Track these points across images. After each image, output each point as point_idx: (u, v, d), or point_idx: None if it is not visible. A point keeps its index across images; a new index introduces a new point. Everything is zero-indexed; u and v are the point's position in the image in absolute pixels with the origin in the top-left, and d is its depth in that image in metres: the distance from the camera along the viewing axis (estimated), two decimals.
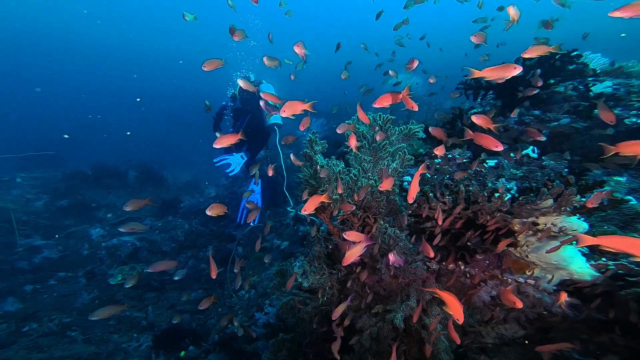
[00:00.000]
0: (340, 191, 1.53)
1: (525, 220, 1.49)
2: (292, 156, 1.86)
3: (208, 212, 1.82)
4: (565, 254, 1.42)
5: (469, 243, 1.60)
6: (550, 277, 1.48)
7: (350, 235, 1.37)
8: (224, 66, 1.97)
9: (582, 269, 1.42)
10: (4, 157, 8.04)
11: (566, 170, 1.88)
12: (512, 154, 1.87)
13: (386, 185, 1.42)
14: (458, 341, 1.26)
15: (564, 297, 1.33)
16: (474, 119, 1.50)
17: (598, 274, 1.40)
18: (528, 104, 2.55)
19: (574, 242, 1.40)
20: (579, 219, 1.43)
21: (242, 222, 3.71)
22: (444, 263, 1.65)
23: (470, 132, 1.48)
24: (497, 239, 1.54)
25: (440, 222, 1.49)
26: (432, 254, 1.42)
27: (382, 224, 1.57)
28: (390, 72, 3.06)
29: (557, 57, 2.66)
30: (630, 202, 1.71)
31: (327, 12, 26.08)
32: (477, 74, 1.37)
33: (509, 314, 1.53)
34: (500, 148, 1.35)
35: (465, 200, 1.52)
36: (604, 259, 1.46)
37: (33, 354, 3.32)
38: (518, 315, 1.53)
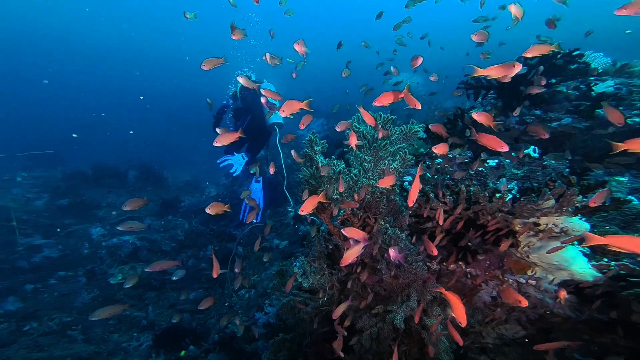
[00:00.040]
0: (341, 190, 1.52)
1: (526, 220, 1.48)
2: (292, 152, 1.84)
3: (208, 211, 1.82)
4: (566, 254, 1.42)
5: (469, 243, 1.59)
6: (551, 277, 1.47)
7: (349, 232, 1.36)
8: (224, 65, 1.96)
9: (583, 269, 1.41)
10: (4, 156, 8.04)
11: (567, 170, 1.87)
12: (513, 153, 1.87)
13: (387, 182, 1.41)
14: (461, 342, 1.25)
15: (563, 294, 1.33)
16: (474, 116, 1.49)
17: (600, 275, 1.39)
18: (528, 104, 2.54)
19: (576, 242, 1.40)
20: (580, 219, 1.42)
21: (244, 220, 3.71)
22: (444, 263, 1.64)
23: (475, 132, 1.47)
24: (498, 240, 1.54)
25: (441, 223, 1.48)
26: (435, 252, 1.41)
27: (383, 224, 1.56)
28: (392, 68, 3.05)
29: (558, 56, 2.64)
30: (633, 203, 1.70)
31: (327, 12, 26.07)
32: (479, 72, 1.36)
33: (511, 314, 1.52)
34: (505, 149, 1.33)
35: (466, 201, 1.51)
36: (605, 260, 1.45)
37: (33, 353, 3.32)
38: (519, 315, 1.52)
